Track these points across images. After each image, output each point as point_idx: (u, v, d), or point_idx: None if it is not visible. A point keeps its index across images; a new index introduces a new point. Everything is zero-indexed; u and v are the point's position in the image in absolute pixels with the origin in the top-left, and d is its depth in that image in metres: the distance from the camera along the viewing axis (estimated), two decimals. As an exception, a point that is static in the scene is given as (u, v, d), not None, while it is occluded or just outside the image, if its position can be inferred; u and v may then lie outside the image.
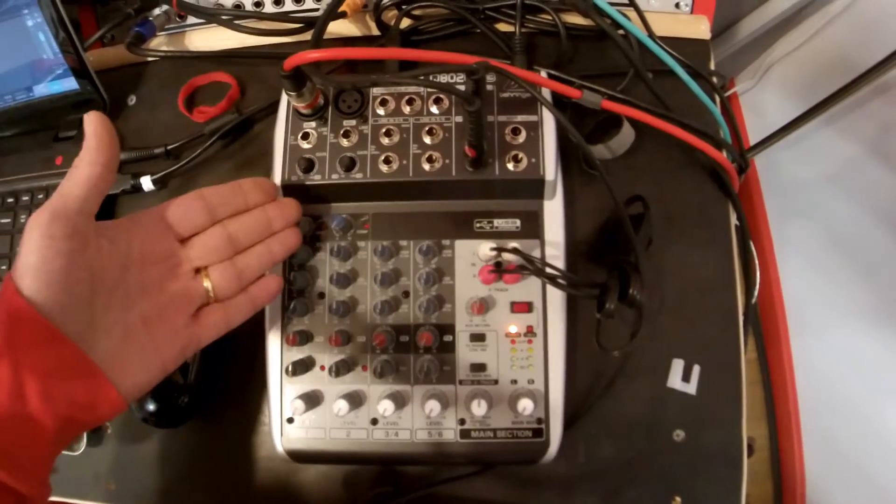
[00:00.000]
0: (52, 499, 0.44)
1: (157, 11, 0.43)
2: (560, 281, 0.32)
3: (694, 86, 0.38)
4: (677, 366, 0.37)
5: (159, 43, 0.45)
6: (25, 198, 0.47)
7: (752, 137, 0.62)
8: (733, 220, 0.39)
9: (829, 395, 0.63)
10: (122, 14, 0.44)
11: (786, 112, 0.55)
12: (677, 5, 0.42)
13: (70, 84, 0.45)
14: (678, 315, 0.38)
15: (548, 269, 0.33)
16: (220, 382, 0.40)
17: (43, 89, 0.46)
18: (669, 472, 0.37)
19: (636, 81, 0.39)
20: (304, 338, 0.35)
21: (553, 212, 0.36)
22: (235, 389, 0.40)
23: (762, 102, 0.67)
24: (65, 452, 0.41)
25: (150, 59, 0.45)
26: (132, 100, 0.45)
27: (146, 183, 0.41)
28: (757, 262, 0.66)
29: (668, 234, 0.38)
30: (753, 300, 0.53)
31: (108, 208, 0.43)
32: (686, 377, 0.37)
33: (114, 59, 0.46)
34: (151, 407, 0.37)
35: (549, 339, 0.35)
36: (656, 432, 0.37)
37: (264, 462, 0.39)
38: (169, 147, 0.41)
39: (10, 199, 0.47)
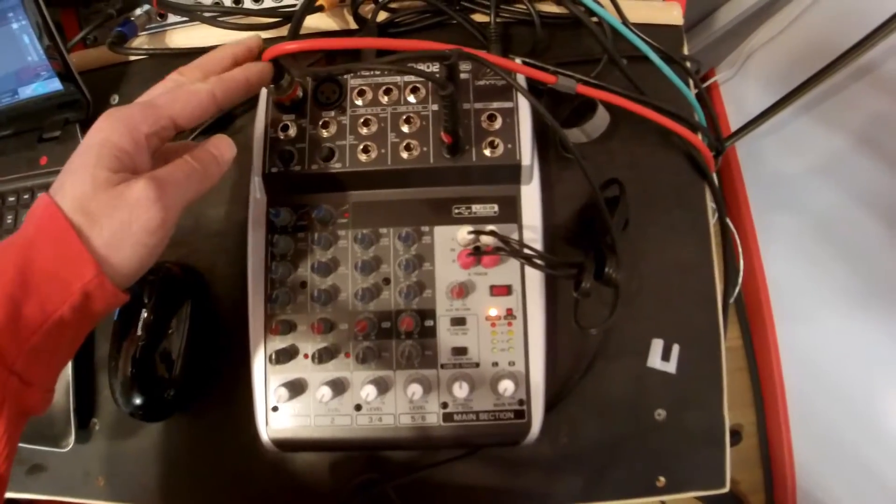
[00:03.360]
0: (42, 497, 0.45)
1: (138, 11, 0.44)
2: (536, 261, 0.33)
3: (667, 70, 0.39)
4: (657, 345, 0.38)
5: (141, 42, 0.46)
6: (12, 199, 0.47)
7: (734, 126, 0.63)
8: (710, 203, 0.40)
9: (817, 380, 0.64)
10: (103, 15, 0.44)
11: (765, 100, 0.56)
12: (649, -9, 0.43)
13: (54, 86, 0.45)
14: (657, 296, 0.39)
15: (525, 251, 0.33)
16: (206, 375, 0.41)
17: (27, 91, 0.46)
18: (653, 451, 0.38)
19: (611, 68, 0.40)
20: (286, 327, 0.36)
21: (530, 196, 0.37)
22: (220, 382, 0.40)
23: (742, 92, 0.68)
24: (54, 450, 0.42)
25: (132, 58, 0.46)
26: (115, 99, 0.46)
27: (129, 179, 0.42)
28: (740, 247, 0.67)
29: (646, 217, 0.39)
30: (738, 286, 0.54)
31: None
32: (666, 356, 0.38)
33: (96, 59, 0.47)
34: (138, 401, 0.38)
35: (528, 321, 0.35)
36: (638, 412, 0.38)
37: (251, 452, 0.39)
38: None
39: None
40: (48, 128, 0.48)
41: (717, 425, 0.38)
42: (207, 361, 0.41)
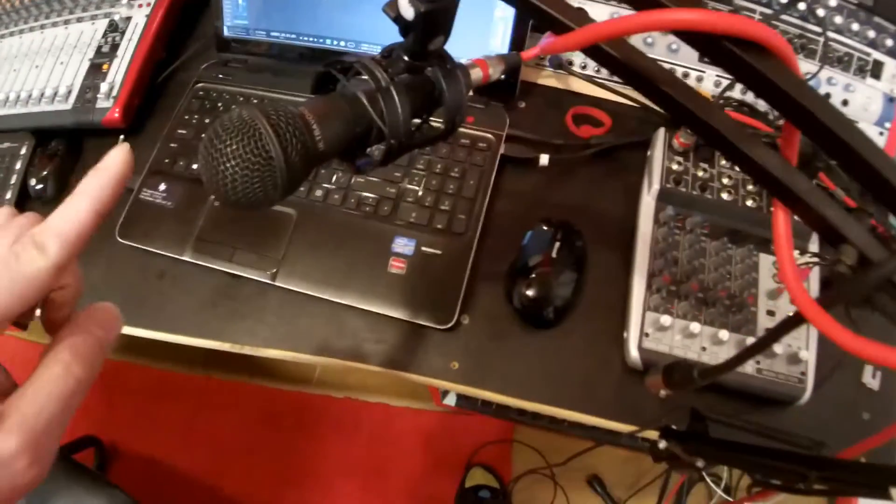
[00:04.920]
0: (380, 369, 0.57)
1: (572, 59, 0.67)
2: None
3: None
4: (868, 369, 0.60)
5: (552, 75, 0.69)
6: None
7: None
8: None
9: None
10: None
11: None
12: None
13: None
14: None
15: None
16: (578, 302, 0.58)
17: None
18: (854, 440, 0.58)
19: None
20: (663, 283, 0.56)
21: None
22: (590, 308, 0.58)
23: None
24: (435, 326, 0.56)
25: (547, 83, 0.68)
26: (522, 104, 0.67)
27: (544, 159, 0.62)
28: None
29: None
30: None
31: (500, 168, 0.62)
32: (873, 376, 0.60)
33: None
34: (540, 310, 0.55)
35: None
36: (853, 412, 0.58)
37: (607, 369, 0.56)
38: (562, 142, 0.63)
39: None
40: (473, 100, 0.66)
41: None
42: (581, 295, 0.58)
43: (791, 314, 0.55)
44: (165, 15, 0.71)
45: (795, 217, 0.29)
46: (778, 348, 0.54)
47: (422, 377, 0.56)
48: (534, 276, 0.56)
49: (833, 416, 0.58)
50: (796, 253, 0.32)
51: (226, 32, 0.71)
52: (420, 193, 0.61)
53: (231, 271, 0.60)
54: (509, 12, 0.62)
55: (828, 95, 0.68)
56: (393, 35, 0.33)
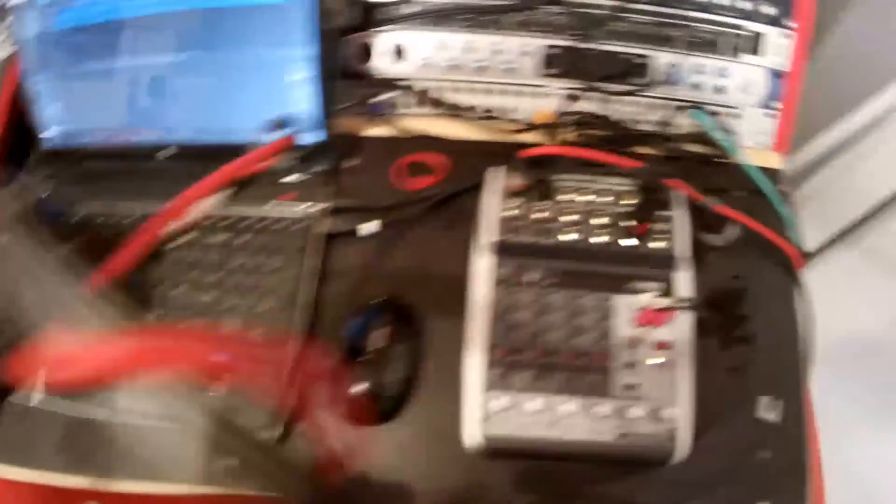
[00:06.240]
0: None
1: (386, 96, 0.62)
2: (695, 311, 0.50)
3: (778, 202, 0.58)
4: (763, 400, 0.54)
5: (382, 123, 0.63)
6: (255, 223, 0.60)
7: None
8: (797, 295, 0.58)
9: (861, 494, 0.79)
10: (359, 94, 0.62)
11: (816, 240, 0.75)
12: (761, 143, 0.63)
13: (312, 137, 0.60)
14: (763, 361, 0.55)
15: (690, 306, 0.50)
16: (413, 388, 0.54)
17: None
18: (756, 483, 0.53)
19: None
20: (502, 354, 0.51)
21: (686, 279, 0.54)
22: (432, 392, 0.54)
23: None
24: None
25: (373, 133, 0.63)
26: (352, 162, 0.62)
27: (371, 227, 0.57)
28: None
29: (757, 301, 0.57)
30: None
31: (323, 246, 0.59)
32: (769, 409, 0.54)
33: (342, 127, 0.63)
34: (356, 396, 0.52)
35: (682, 368, 0.51)
36: (749, 451, 0.53)
37: (450, 459, 0.52)
38: (389, 204, 0.58)
39: (242, 223, 0.60)
40: (295, 171, 0.62)
41: (803, 466, 0.54)
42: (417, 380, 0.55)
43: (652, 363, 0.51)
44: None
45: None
46: (637, 410, 0.50)
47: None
48: (359, 368, 0.53)
49: (724, 463, 0.53)
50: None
51: (49, 143, 0.68)
52: (238, 300, 0.58)
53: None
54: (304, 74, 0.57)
55: (697, 87, 0.61)
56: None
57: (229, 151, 0.60)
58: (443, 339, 0.55)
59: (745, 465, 0.53)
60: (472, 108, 0.62)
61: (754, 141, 0.62)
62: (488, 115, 0.61)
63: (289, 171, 0.61)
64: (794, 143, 0.84)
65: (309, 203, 0.59)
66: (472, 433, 0.50)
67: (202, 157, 0.62)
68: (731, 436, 0.54)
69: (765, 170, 0.61)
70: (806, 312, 0.59)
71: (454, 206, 0.59)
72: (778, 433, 0.54)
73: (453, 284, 0.55)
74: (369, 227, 0.58)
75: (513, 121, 0.61)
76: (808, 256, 0.61)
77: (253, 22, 0.58)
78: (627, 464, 0.52)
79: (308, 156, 0.60)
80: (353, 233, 0.58)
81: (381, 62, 0.62)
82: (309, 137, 0.60)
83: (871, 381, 0.79)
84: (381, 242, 0.59)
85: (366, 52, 0.62)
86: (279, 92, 0.59)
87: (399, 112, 0.63)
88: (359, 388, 0.52)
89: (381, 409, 0.53)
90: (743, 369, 0.55)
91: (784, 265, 0.59)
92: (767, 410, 0.54)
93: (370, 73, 0.62)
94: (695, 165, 0.61)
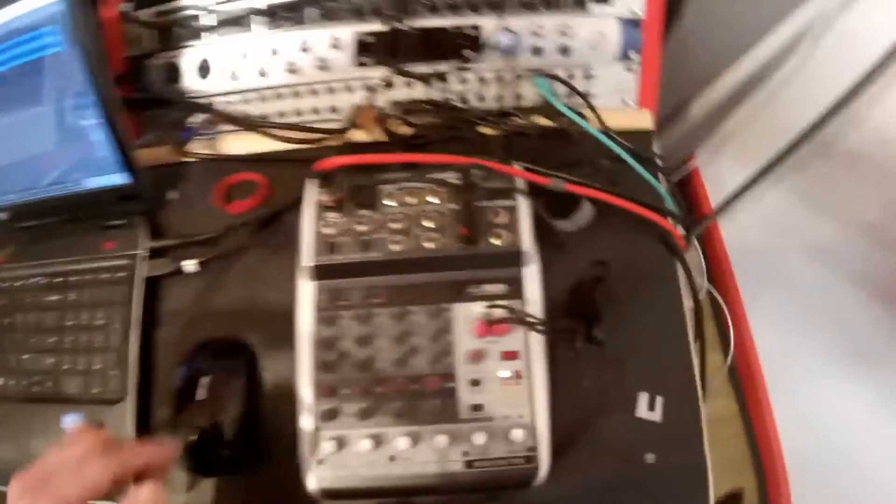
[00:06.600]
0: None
1: (195, 118, 0.56)
2: (538, 327, 0.44)
3: (640, 168, 0.51)
4: (643, 398, 0.48)
5: (196, 146, 0.58)
6: (75, 278, 0.57)
7: (715, 206, 0.75)
8: (682, 276, 0.51)
9: (816, 445, 0.73)
10: (165, 121, 0.56)
11: (741, 180, 0.68)
12: (624, 101, 0.55)
13: (119, 179, 0.56)
14: (641, 357, 0.49)
15: (527, 318, 0.44)
16: (255, 439, 0.50)
17: (94, 182, 0.56)
18: (645, 490, 0.47)
19: (597, 167, 0.52)
20: (331, 390, 0.46)
21: (531, 276, 0.48)
22: (266, 443, 0.49)
23: (721, 173, 0.81)
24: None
25: (189, 159, 0.57)
26: (172, 195, 0.57)
27: (191, 266, 0.52)
28: (729, 318, 0.78)
29: (630, 291, 0.50)
30: (730, 353, 0.65)
31: (151, 290, 0.54)
32: (651, 407, 0.48)
33: (154, 158, 0.58)
34: (198, 461, 0.47)
35: (533, 380, 0.46)
36: (630, 456, 0.48)
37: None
38: (208, 236, 0.53)
39: (60, 279, 0.57)
40: (111, 216, 0.59)
41: (699, 461, 0.48)
42: (257, 426, 0.50)
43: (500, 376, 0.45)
44: None
45: None
46: (486, 432, 0.44)
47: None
48: (189, 420, 0.48)
49: (605, 472, 0.47)
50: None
51: None
52: (75, 361, 0.54)
53: None
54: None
55: (539, 51, 0.53)
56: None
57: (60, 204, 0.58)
58: (283, 374, 0.50)
59: (630, 473, 0.48)
60: (283, 117, 0.56)
61: (615, 100, 0.55)
62: (300, 123, 0.55)
63: (105, 219, 0.57)
64: (703, 81, 0.76)
65: (129, 250, 0.55)
66: (310, 478, 0.46)
67: (38, 215, 0.59)
68: (609, 442, 0.48)
69: (632, 133, 0.54)
70: (695, 287, 0.52)
71: (280, 226, 0.54)
72: (661, 433, 0.48)
73: (285, 314, 0.50)
74: (189, 266, 0.53)
75: (329, 125, 0.55)
76: (690, 224, 0.54)
77: (32, 80, 0.53)
78: (494, 489, 0.47)
79: (120, 199, 0.56)
80: (180, 271, 0.54)
81: (190, 82, 0.57)
82: (113, 181, 0.55)
83: (818, 326, 0.72)
84: (211, 276, 0.54)
85: (174, 74, 0.57)
86: (75, 142, 0.54)
87: (212, 133, 0.57)
88: (190, 437, 0.48)
89: (223, 455, 0.49)
90: (617, 366, 0.49)
91: (663, 241, 0.52)
92: (648, 409, 0.48)
93: (182, 96, 0.57)
94: (553, 141, 0.54)
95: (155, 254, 0.54)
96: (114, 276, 0.55)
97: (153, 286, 0.54)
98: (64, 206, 0.58)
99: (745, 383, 0.83)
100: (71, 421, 0.53)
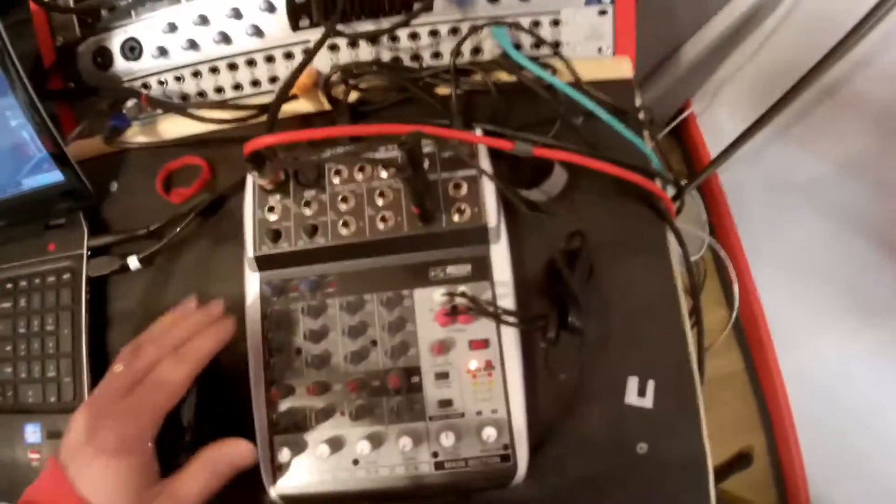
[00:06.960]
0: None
1: (129, 104, 0.51)
2: (505, 318, 0.39)
3: (617, 124, 0.45)
4: (632, 383, 0.43)
5: (134, 133, 0.53)
6: (24, 283, 0.54)
7: (714, 155, 0.69)
8: (673, 244, 0.46)
9: (821, 398, 0.68)
10: (96, 109, 0.52)
11: (739, 128, 0.62)
12: (599, 49, 0.49)
13: (56, 176, 0.52)
14: (629, 337, 0.44)
15: (492, 308, 0.39)
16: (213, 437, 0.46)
17: (31, 183, 0.53)
18: (638, 483, 0.43)
19: (570, 125, 0.47)
20: (285, 391, 0.42)
21: (499, 254, 0.43)
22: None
23: (718, 121, 0.74)
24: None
25: (126, 148, 0.53)
26: (114, 186, 0.53)
27: (133, 262, 0.48)
28: (735, 276, 0.72)
29: (612, 263, 0.45)
30: (734, 310, 0.59)
31: (100, 290, 0.50)
32: (642, 392, 0.43)
33: (93, 149, 0.54)
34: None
35: (506, 370, 0.41)
36: (621, 447, 0.43)
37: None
38: (151, 228, 0.49)
39: (10, 285, 0.54)
40: (53, 215, 0.55)
41: (697, 450, 0.43)
42: (217, 428, 0.47)
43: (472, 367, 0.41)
44: None
45: None
46: (456, 431, 0.40)
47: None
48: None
49: (593, 466, 0.43)
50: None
51: None
52: (31, 369, 0.51)
53: None
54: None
55: (492, -5, 0.47)
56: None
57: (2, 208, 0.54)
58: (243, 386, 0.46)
59: (621, 465, 0.43)
60: (220, 93, 0.51)
61: (590, 49, 0.49)
62: (236, 99, 0.50)
63: (50, 218, 0.53)
64: (695, 23, 0.69)
65: (71, 250, 0.51)
66: (269, 486, 0.42)
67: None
68: (596, 433, 0.43)
69: (610, 83, 0.48)
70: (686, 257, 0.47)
71: (226, 212, 0.49)
72: (653, 420, 0.43)
73: (238, 308, 0.46)
74: (132, 263, 0.49)
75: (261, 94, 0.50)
76: (678, 186, 0.48)
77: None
78: (469, 491, 0.43)
79: (62, 197, 0.52)
80: (126, 268, 0.50)
81: (121, 65, 0.51)
82: (49, 179, 0.51)
83: (822, 278, 0.66)
84: (158, 270, 0.50)
85: (106, 59, 0.52)
86: (5, 143, 0.50)
87: (148, 117, 0.52)
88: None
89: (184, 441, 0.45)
90: (603, 349, 0.44)
91: (650, 206, 0.46)
92: (638, 395, 0.43)
93: (113, 81, 0.52)
94: (506, 99, 0.48)
95: (97, 252, 0.50)
96: (59, 279, 0.51)
97: (101, 286, 0.50)
98: (6, 209, 0.55)
99: (751, 340, 0.79)
100: (31, 432, 0.51)
